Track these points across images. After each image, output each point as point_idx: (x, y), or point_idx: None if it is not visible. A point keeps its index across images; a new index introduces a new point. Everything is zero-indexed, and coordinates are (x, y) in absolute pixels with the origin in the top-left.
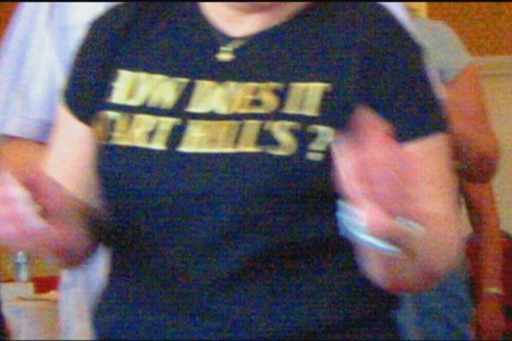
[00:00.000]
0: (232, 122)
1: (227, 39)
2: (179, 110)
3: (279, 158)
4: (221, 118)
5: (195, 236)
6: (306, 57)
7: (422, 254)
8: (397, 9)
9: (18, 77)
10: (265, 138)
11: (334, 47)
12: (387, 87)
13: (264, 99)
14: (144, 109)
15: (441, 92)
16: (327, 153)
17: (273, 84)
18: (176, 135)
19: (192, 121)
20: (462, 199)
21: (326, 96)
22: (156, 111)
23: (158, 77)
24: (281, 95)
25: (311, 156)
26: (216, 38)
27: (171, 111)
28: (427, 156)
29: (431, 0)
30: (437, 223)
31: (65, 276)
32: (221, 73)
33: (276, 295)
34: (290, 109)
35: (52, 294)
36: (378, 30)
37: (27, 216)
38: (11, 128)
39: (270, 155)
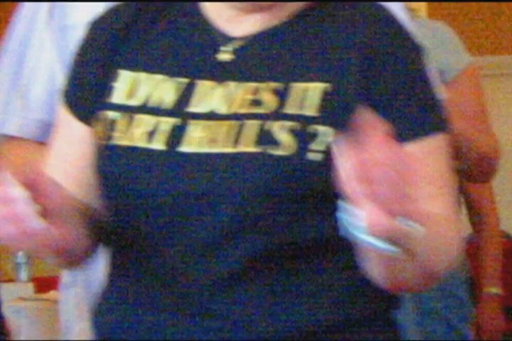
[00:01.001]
0: (232, 122)
1: (227, 39)
2: (179, 110)
3: (279, 158)
4: (221, 118)
5: (195, 236)
6: (306, 57)
7: (422, 254)
8: (397, 9)
9: (18, 77)
10: (265, 138)
11: (334, 47)
12: (387, 87)
13: (264, 99)
14: (144, 109)
15: (441, 92)
16: (327, 153)
17: (273, 84)
18: (176, 135)
19: (192, 121)
20: (462, 199)
21: (326, 96)
22: (156, 111)
23: (158, 77)
24: (281, 95)
25: (311, 156)
26: (216, 38)
27: (171, 111)
28: (427, 156)
29: (431, 0)
30: (437, 223)
31: (65, 276)
32: (221, 73)
33: (276, 295)
34: (290, 109)
35: (52, 294)
36: (378, 30)
37: (27, 216)
38: (11, 128)
39: (270, 155)
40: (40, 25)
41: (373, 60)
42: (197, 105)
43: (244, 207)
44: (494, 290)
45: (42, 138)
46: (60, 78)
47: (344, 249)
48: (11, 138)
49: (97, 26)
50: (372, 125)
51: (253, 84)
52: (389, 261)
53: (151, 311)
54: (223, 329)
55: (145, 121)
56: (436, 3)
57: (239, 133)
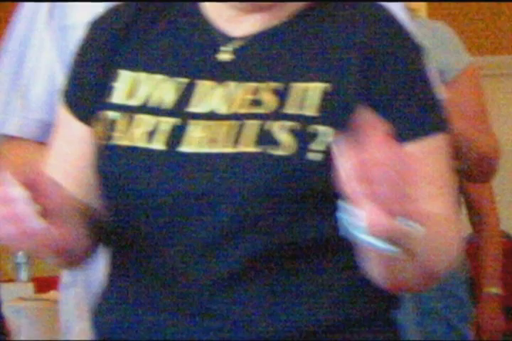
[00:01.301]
0: (232, 122)
1: (227, 39)
2: (179, 110)
3: (279, 158)
4: (221, 118)
5: (195, 236)
6: (306, 57)
7: (422, 254)
8: (397, 9)
9: (18, 77)
10: (265, 138)
11: (334, 47)
12: (387, 87)
13: (264, 99)
14: (144, 109)
15: (441, 92)
16: (327, 153)
17: (273, 84)
18: (176, 135)
19: (192, 121)
20: (462, 199)
21: (326, 96)
22: (156, 111)
23: (158, 77)
24: (281, 95)
25: (311, 156)
26: (216, 38)
27: (171, 111)
28: (427, 156)
29: (431, 0)
30: (437, 223)
31: (65, 276)
32: (221, 73)
33: (276, 295)
34: (290, 109)
35: (52, 294)
36: (378, 30)
37: (27, 216)
38: (11, 128)
39: (270, 155)
40: (40, 25)
41: (373, 60)
42: (197, 105)
43: (244, 207)
44: (494, 290)
45: (42, 138)
46: (60, 78)
47: (344, 249)
48: (11, 138)
49: (97, 26)
50: (372, 125)
51: (253, 84)
52: (389, 261)
53: (151, 311)
54: (223, 329)
55: (145, 121)
56: (436, 3)
57: (239, 133)
